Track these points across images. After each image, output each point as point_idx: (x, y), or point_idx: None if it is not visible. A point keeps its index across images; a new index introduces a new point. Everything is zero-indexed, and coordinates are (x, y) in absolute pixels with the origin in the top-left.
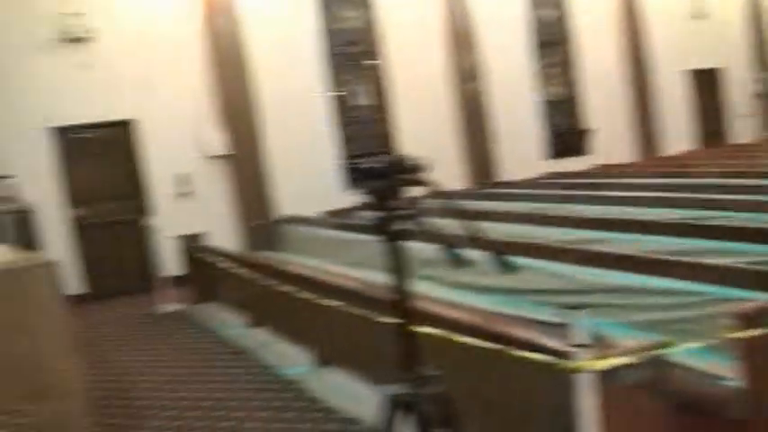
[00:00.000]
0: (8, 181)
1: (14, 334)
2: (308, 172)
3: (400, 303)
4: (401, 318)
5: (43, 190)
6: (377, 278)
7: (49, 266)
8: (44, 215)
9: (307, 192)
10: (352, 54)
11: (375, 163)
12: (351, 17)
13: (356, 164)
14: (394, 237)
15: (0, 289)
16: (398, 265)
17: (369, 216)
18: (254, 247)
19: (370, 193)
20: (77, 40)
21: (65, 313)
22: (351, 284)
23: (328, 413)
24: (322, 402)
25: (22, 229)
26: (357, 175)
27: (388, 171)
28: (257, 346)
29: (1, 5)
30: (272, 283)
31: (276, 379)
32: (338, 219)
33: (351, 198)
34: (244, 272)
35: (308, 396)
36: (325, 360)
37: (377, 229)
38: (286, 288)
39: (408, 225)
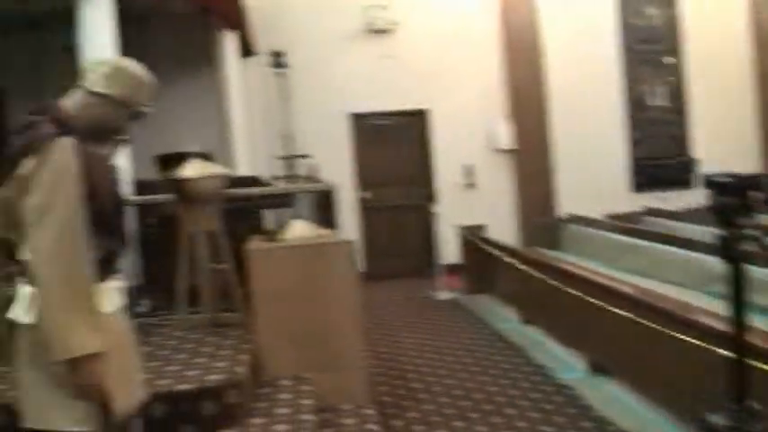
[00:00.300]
0: (308, 161)
1: (314, 306)
2: (593, 171)
3: (734, 330)
4: (733, 345)
5: (338, 172)
6: (664, 289)
7: (347, 245)
8: (337, 195)
9: (591, 192)
10: (650, 51)
11: (729, 177)
12: (651, 13)
13: (710, 176)
14: (738, 259)
15: (305, 263)
16: (738, 289)
17: (712, 233)
18: (532, 243)
19: (716, 209)
20: (380, 31)
21: (357, 291)
22: (640, 294)
23: (601, 423)
24: (595, 411)
25: (321, 207)
26: (710, 188)
27: (743, 187)
28: (529, 344)
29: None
30: (550, 281)
31: (548, 381)
32: (623, 222)
33: (637, 202)
34: (521, 267)
35: (580, 403)
36: (600, 368)
37: (719, 248)
38: (564, 288)
39: (753, 246)
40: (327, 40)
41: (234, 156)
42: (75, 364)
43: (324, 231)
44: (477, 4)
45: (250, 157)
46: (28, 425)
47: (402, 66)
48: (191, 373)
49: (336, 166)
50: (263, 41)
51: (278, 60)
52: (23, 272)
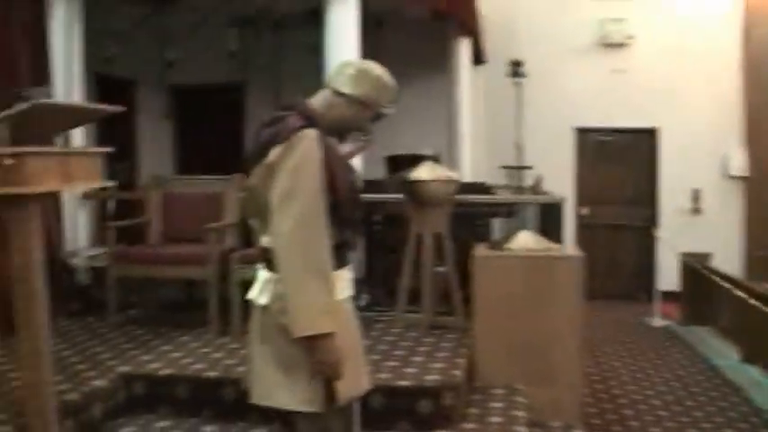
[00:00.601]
0: (533, 172)
1: (535, 318)
2: None
3: None
4: None
5: (558, 185)
6: None
7: (575, 260)
8: (564, 209)
9: None
10: None
11: None
12: None
13: None
14: None
15: (530, 274)
16: None
17: None
18: (756, 276)
19: None
20: (615, 45)
21: (580, 308)
22: None
23: None
24: None
25: (546, 219)
26: None
27: None
28: (749, 383)
29: (547, 11)
30: None
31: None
32: None
33: None
34: (752, 302)
35: None
36: None
37: None
38: None
39: None
40: (559, 52)
41: (459, 161)
42: (312, 342)
43: (550, 244)
44: (720, 21)
45: (474, 163)
46: (255, 401)
47: (634, 81)
48: (409, 370)
49: (557, 179)
50: (494, 50)
51: (516, 70)
52: (262, 257)
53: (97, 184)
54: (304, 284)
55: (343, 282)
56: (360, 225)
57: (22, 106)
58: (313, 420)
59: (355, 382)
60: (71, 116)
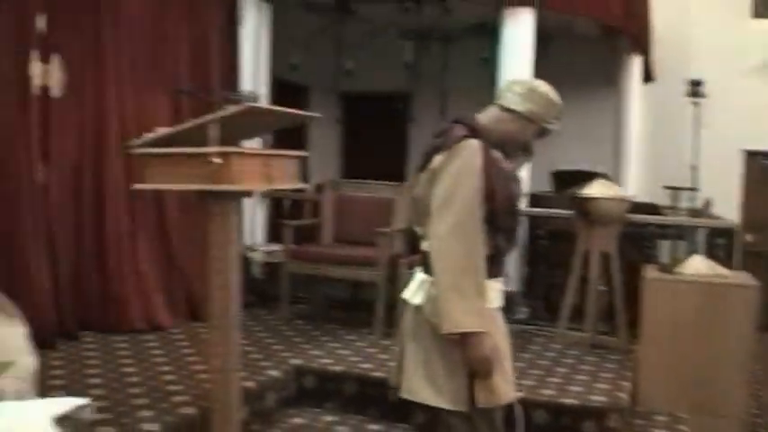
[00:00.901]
0: (702, 194)
1: (705, 346)
2: None
3: None
4: None
5: (725, 209)
6: None
7: (752, 289)
8: (738, 235)
9: None
10: None
11: None
12: None
13: None
14: None
15: (704, 300)
16: None
17: None
18: None
19: None
20: None
21: (752, 339)
22: None
23: None
24: None
25: (713, 244)
26: None
27: None
28: None
29: (720, 29)
30: None
31: None
32: None
33: None
34: None
35: None
36: None
37: None
38: None
39: None
40: (729, 71)
41: (623, 179)
42: (464, 339)
43: (723, 271)
44: None
45: (639, 182)
46: (403, 396)
47: None
48: (573, 388)
49: (722, 202)
50: (662, 68)
51: (695, 89)
52: (422, 261)
53: (295, 186)
54: (456, 284)
55: (494, 292)
56: (515, 235)
57: (234, 108)
58: (462, 419)
59: (500, 389)
60: (272, 120)
